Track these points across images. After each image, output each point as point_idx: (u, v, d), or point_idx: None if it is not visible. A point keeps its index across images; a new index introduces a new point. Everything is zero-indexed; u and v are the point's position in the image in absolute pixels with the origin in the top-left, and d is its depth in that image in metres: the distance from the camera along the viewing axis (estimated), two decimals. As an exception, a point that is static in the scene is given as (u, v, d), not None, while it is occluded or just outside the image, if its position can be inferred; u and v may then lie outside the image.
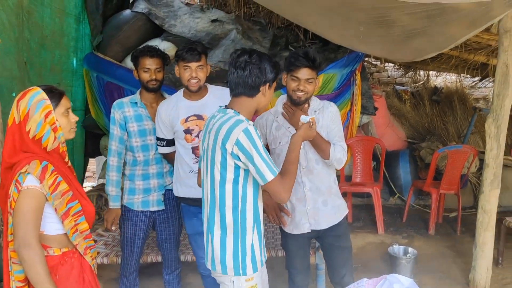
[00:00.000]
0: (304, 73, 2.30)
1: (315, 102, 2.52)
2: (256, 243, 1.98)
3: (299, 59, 2.28)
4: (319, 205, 2.47)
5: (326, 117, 2.46)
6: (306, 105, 2.45)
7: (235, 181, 1.90)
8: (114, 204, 2.80)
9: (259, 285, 1.98)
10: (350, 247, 2.61)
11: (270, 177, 1.83)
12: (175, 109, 2.62)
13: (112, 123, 2.78)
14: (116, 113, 2.76)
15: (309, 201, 2.45)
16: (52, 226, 1.81)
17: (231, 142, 1.82)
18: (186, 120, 2.59)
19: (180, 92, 2.70)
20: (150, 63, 2.70)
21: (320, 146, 2.36)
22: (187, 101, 2.63)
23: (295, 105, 2.40)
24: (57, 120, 1.80)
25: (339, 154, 2.38)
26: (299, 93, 2.33)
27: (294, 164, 1.96)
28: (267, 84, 1.96)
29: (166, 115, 2.63)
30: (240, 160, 1.85)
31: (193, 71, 2.53)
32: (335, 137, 2.44)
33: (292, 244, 2.56)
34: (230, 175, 1.88)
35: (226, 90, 2.19)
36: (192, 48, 2.53)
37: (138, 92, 2.84)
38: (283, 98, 2.53)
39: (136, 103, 2.79)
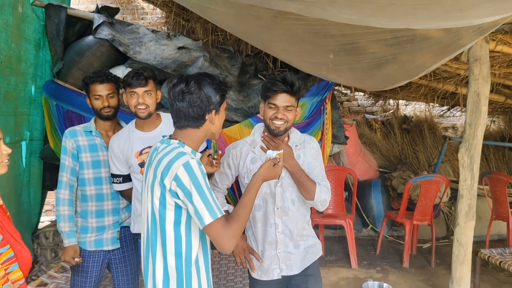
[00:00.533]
0: (282, 99, 2.10)
1: (295, 135, 2.31)
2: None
3: (276, 83, 2.09)
4: (290, 248, 2.25)
5: (307, 153, 2.27)
6: (286, 138, 2.25)
7: (177, 223, 1.66)
8: (69, 241, 2.52)
9: None
10: None
11: (208, 219, 1.58)
12: (128, 142, 2.45)
13: (63, 153, 2.56)
14: (68, 142, 2.56)
15: (280, 244, 2.23)
16: None
17: (170, 177, 1.61)
18: (140, 153, 2.43)
19: (132, 124, 2.53)
20: (101, 89, 2.52)
21: (305, 185, 2.15)
22: (140, 133, 2.47)
23: (274, 136, 2.19)
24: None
25: (324, 195, 2.18)
26: (278, 123, 2.12)
27: (247, 208, 1.72)
28: (213, 111, 1.75)
29: (119, 149, 2.46)
30: (179, 199, 1.62)
31: (139, 97, 2.38)
32: (318, 176, 2.24)
33: None
34: (170, 216, 1.65)
35: None
36: (138, 73, 2.38)
37: (92, 119, 2.64)
38: (260, 126, 2.32)
39: (91, 131, 2.60)
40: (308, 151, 2.27)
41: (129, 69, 4.51)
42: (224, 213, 1.65)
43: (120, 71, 4.54)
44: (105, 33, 4.54)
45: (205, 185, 1.61)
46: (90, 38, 4.57)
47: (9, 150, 1.72)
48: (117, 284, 2.72)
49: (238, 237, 1.65)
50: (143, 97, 2.38)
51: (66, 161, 2.56)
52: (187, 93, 1.69)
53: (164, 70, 4.51)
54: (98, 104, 2.53)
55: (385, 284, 3.73)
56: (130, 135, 2.47)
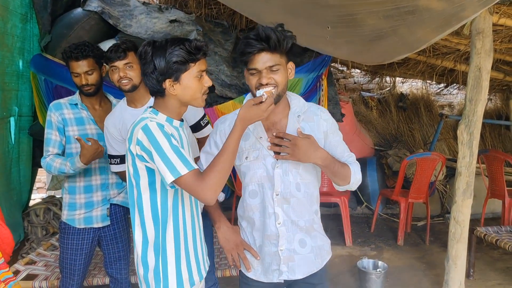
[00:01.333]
0: (262, 60, 1.68)
1: (297, 102, 1.88)
2: (183, 260, 1.70)
3: (250, 43, 1.66)
4: (294, 245, 1.84)
5: (317, 127, 1.84)
6: (299, 128, 1.79)
7: (152, 187, 1.63)
8: (77, 160, 2.31)
9: None
10: None
11: (176, 174, 1.51)
12: (122, 120, 2.35)
13: (49, 127, 2.46)
14: (53, 116, 2.45)
15: (282, 240, 1.82)
16: None
17: (134, 143, 1.58)
18: None
19: (123, 101, 2.44)
20: (78, 66, 2.39)
21: (340, 174, 1.78)
22: (132, 109, 2.38)
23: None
24: None
25: (359, 174, 1.83)
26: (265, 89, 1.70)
27: (224, 155, 1.59)
28: (167, 80, 1.61)
29: (116, 129, 2.37)
30: (147, 161, 1.58)
31: (120, 71, 2.28)
32: (344, 153, 1.86)
33: None
34: (144, 181, 1.63)
35: None
36: (116, 46, 2.28)
37: (78, 92, 2.53)
38: (251, 97, 1.84)
39: (76, 104, 2.50)
40: (317, 124, 1.84)
41: (119, 43, 4.38)
42: (195, 167, 1.56)
43: (110, 45, 4.40)
44: (94, 5, 4.39)
45: (167, 145, 1.54)
46: (78, 10, 4.42)
47: None
48: (108, 261, 2.66)
49: (219, 186, 1.56)
50: (123, 71, 2.28)
51: (52, 135, 2.45)
52: (144, 60, 1.62)
53: (156, 44, 4.38)
54: (77, 81, 2.43)
55: (380, 262, 3.71)
56: (122, 113, 2.38)
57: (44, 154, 2.46)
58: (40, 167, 5.12)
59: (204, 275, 1.83)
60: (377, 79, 7.19)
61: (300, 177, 1.81)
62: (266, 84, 1.68)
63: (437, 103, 7.57)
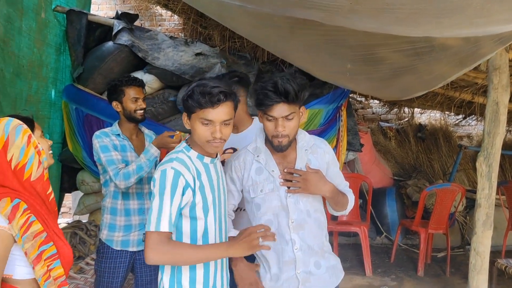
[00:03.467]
0: (279, 110, 1.79)
1: (303, 137, 2.02)
2: (200, 284, 1.74)
3: (268, 95, 1.77)
4: (311, 268, 1.95)
5: (320, 158, 2.00)
6: (308, 164, 1.95)
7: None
8: (150, 145, 2.56)
9: None
10: None
11: (148, 227, 1.61)
12: None
13: (106, 151, 2.55)
14: (105, 140, 2.59)
15: (299, 263, 1.93)
16: (22, 270, 1.62)
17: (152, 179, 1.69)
18: (223, 152, 2.44)
19: None
20: (139, 92, 2.65)
21: (341, 202, 1.97)
22: (232, 135, 2.50)
23: (278, 152, 1.93)
24: (39, 143, 1.69)
25: (353, 202, 2.03)
26: (280, 139, 1.84)
27: (192, 258, 1.65)
28: (184, 114, 1.73)
29: None
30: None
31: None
32: (342, 182, 2.05)
33: None
34: None
35: None
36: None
37: (116, 124, 2.72)
38: (262, 129, 2.01)
39: (118, 134, 2.68)
40: (321, 156, 2.01)
41: (147, 75, 4.59)
42: (169, 232, 1.62)
43: (139, 76, 4.60)
44: (124, 38, 4.62)
45: (169, 197, 1.62)
46: (110, 43, 4.66)
47: (51, 142, 1.81)
48: (140, 284, 2.74)
49: (165, 260, 1.63)
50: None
51: (113, 156, 2.55)
52: None
53: (182, 76, 4.57)
54: (134, 106, 2.62)
55: (400, 293, 3.72)
56: None
57: (113, 173, 2.51)
58: (68, 192, 5.31)
59: None
60: (395, 109, 7.27)
61: (310, 205, 1.96)
62: (282, 135, 1.83)
63: (456, 134, 7.59)
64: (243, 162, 2.00)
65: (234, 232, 1.96)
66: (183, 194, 1.65)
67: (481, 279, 3.28)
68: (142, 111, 2.65)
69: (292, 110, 1.81)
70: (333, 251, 2.13)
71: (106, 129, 2.70)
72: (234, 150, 2.49)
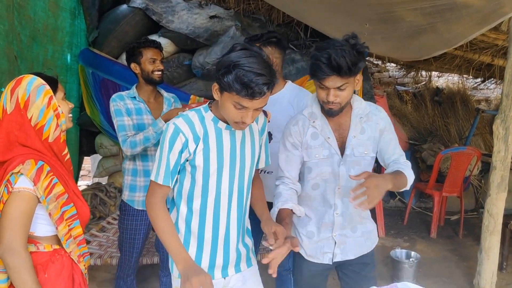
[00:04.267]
0: (331, 82, 1.76)
1: (359, 104, 1.97)
2: (191, 251, 1.76)
3: (321, 68, 1.73)
4: (346, 231, 2.01)
5: (373, 126, 1.96)
6: (367, 173, 1.77)
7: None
8: (158, 119, 2.57)
9: None
10: (375, 278, 2.13)
11: (152, 175, 1.71)
12: None
13: (119, 115, 2.60)
14: (119, 104, 2.62)
15: (337, 227, 1.99)
16: (44, 227, 1.68)
17: None
18: None
19: None
20: (156, 54, 2.66)
21: (402, 183, 1.86)
22: None
23: (329, 116, 1.92)
24: (59, 106, 1.69)
25: (412, 176, 1.92)
26: (331, 106, 1.84)
27: (161, 233, 1.68)
28: (216, 84, 1.61)
29: None
30: None
31: None
32: (395, 151, 1.98)
33: (305, 270, 2.10)
34: None
35: (304, 92, 2.05)
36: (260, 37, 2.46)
37: (134, 87, 2.74)
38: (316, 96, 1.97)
39: (134, 97, 2.70)
40: (374, 123, 1.96)
41: (162, 38, 4.57)
42: (166, 186, 1.68)
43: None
44: (138, 1, 4.60)
45: (166, 149, 1.65)
46: (124, 7, 4.64)
47: (72, 105, 1.79)
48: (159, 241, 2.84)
49: (153, 200, 1.70)
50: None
51: (124, 121, 2.60)
52: None
53: (197, 39, 4.55)
54: (151, 67, 2.64)
55: (412, 252, 3.79)
56: None
57: (121, 139, 2.56)
58: (86, 155, 5.42)
59: (231, 273, 1.83)
60: (412, 73, 7.16)
61: (361, 171, 1.86)
62: (333, 102, 1.79)
63: (474, 98, 7.45)
64: (302, 127, 1.98)
65: (290, 205, 1.89)
66: (181, 152, 1.66)
67: (493, 240, 3.32)
68: (160, 73, 2.67)
69: (345, 81, 1.76)
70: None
71: (123, 92, 2.73)
72: (264, 112, 2.52)
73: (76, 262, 1.75)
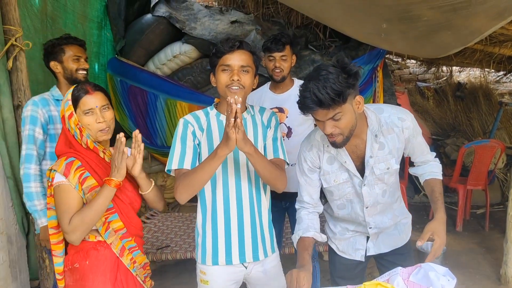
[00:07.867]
0: (321, 114, 1.66)
1: (372, 120, 1.84)
2: (208, 237, 1.90)
3: (306, 103, 1.64)
4: (380, 229, 2.04)
5: (398, 137, 1.86)
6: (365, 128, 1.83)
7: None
8: (45, 220, 2.29)
9: (212, 284, 1.90)
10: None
11: (168, 166, 1.83)
12: (260, 100, 2.70)
13: (33, 123, 2.34)
14: (39, 111, 2.37)
15: (372, 231, 2.02)
16: None
17: None
18: None
19: (267, 85, 2.79)
20: (80, 51, 2.50)
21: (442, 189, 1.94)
22: (272, 94, 2.72)
23: (335, 148, 1.82)
24: (79, 122, 1.78)
25: (441, 169, 2.00)
26: (333, 138, 1.73)
27: (194, 176, 1.75)
28: (212, 74, 1.89)
29: (254, 104, 2.54)
30: None
31: (276, 61, 2.62)
32: (424, 152, 1.99)
33: (338, 264, 2.14)
34: None
35: None
36: (277, 39, 2.62)
37: (56, 88, 2.51)
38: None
39: (58, 100, 2.47)
40: (397, 135, 1.86)
41: (185, 45, 4.73)
42: (178, 168, 1.80)
43: (177, 47, 4.77)
44: (162, 10, 4.77)
45: (179, 139, 1.85)
46: (148, 16, 4.82)
47: (106, 118, 1.83)
48: None
49: (183, 188, 1.74)
50: (279, 61, 2.62)
51: (36, 133, 2.36)
52: None
53: (219, 44, 4.69)
54: (75, 65, 2.45)
55: (438, 246, 3.82)
56: (262, 94, 2.73)
57: (25, 152, 2.33)
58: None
59: (249, 260, 1.90)
60: (433, 69, 7.16)
61: (385, 185, 1.91)
62: (332, 134, 1.70)
63: (497, 91, 7.40)
64: (317, 153, 1.92)
65: (313, 233, 1.88)
66: (193, 136, 1.87)
67: (519, 230, 3.35)
68: (85, 72, 2.45)
69: (336, 111, 1.64)
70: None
71: (46, 95, 2.46)
72: (280, 109, 2.64)
73: (117, 255, 1.82)
